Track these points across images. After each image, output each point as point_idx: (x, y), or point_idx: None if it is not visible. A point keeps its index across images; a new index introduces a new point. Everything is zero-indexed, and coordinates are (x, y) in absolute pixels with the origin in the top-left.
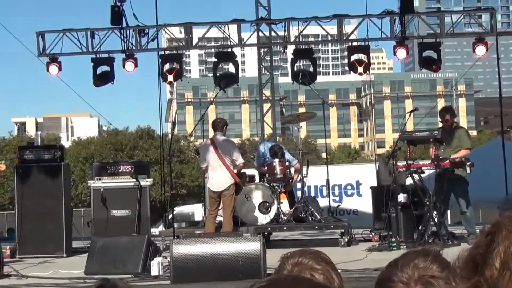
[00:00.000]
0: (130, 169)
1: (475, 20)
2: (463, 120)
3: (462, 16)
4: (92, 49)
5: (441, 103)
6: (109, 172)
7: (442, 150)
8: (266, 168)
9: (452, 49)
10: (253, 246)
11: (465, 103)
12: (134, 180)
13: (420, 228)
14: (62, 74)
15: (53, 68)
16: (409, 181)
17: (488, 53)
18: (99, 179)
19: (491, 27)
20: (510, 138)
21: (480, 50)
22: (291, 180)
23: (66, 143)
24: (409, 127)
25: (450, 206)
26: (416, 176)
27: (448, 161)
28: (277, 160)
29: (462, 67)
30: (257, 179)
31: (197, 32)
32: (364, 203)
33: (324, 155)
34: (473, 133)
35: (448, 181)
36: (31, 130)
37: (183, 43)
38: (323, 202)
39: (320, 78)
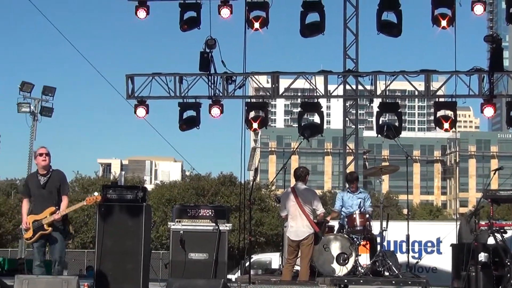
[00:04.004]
0: (210, 213)
1: None
2: None
3: None
4: (180, 93)
5: None
6: (189, 215)
7: None
8: (346, 218)
9: None
10: None
11: None
12: (214, 224)
13: None
14: (149, 117)
15: (141, 111)
16: (490, 240)
17: None
18: (179, 221)
19: None
20: None
21: None
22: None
23: (149, 186)
24: (493, 186)
25: None
26: (498, 236)
27: None
28: (357, 212)
29: None
30: (336, 230)
31: (284, 82)
32: (443, 261)
33: (405, 211)
34: None
35: None
36: (116, 172)
37: (270, 92)
38: (401, 257)
39: (405, 134)
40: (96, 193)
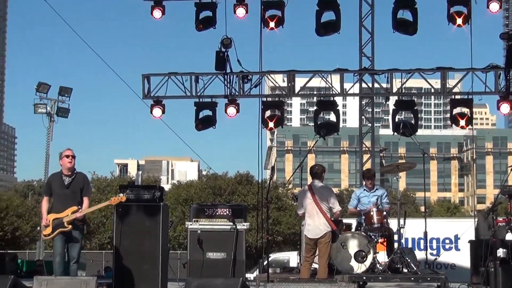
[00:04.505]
0: (227, 212)
1: None
2: None
3: None
4: (196, 93)
5: None
6: (206, 214)
7: None
8: (363, 215)
9: None
10: None
11: None
12: (231, 223)
13: None
14: (165, 117)
15: (157, 111)
16: (509, 236)
17: None
18: (197, 221)
19: None
20: None
21: None
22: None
23: (166, 186)
24: (511, 182)
25: None
26: None
27: None
28: (374, 209)
29: None
30: (353, 228)
31: (300, 81)
32: (462, 258)
33: (422, 208)
34: None
35: None
36: (132, 172)
37: (286, 91)
38: (420, 255)
39: (421, 131)
40: (121, 194)
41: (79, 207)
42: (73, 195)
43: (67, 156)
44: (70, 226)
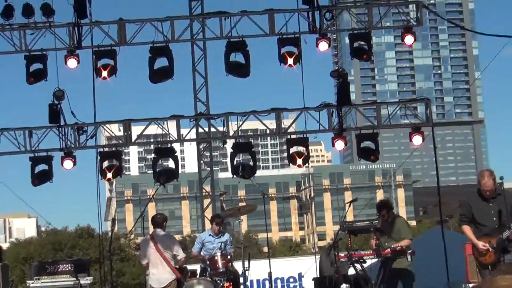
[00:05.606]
0: (69, 267)
1: (411, 111)
2: (402, 210)
3: (398, 108)
4: (30, 148)
5: (380, 194)
6: (48, 271)
7: (386, 244)
8: (208, 261)
9: (389, 140)
10: None
11: (404, 193)
12: (74, 279)
13: None
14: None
15: None
16: (351, 271)
17: (425, 144)
18: (39, 279)
19: (426, 117)
20: (449, 227)
21: (417, 140)
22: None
23: (4, 244)
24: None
25: None
26: (358, 266)
27: (389, 249)
28: (219, 253)
29: (400, 158)
30: (198, 274)
31: (136, 129)
32: None
33: (265, 249)
34: (413, 223)
35: (395, 272)
36: None
37: (122, 140)
38: None
39: (260, 172)
40: None
41: None
42: None
43: None
44: None
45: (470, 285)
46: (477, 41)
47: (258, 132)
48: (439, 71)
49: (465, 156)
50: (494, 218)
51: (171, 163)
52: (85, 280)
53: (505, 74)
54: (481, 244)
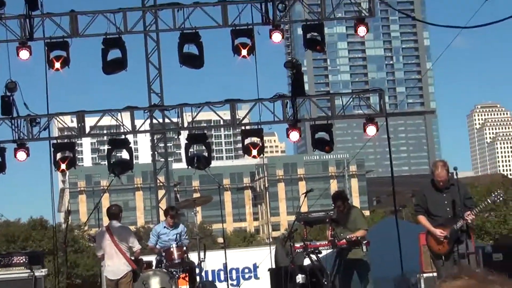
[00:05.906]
0: (24, 260)
1: (365, 101)
2: (356, 200)
3: (352, 99)
4: None
5: (333, 184)
6: (2, 263)
7: (342, 234)
8: (163, 253)
9: (343, 130)
10: None
11: (357, 183)
12: (29, 271)
13: None
14: None
15: None
16: (307, 262)
17: (378, 134)
18: None
19: (380, 108)
20: (403, 217)
21: (371, 130)
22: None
23: None
24: (304, 208)
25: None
26: (313, 257)
27: (344, 240)
28: (174, 245)
29: (353, 148)
30: (154, 265)
31: (90, 121)
32: (262, 286)
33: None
34: (367, 213)
35: (350, 262)
36: None
37: (76, 132)
38: (221, 286)
39: (214, 163)
40: None
41: None
42: None
43: None
44: None
45: (424, 275)
46: (428, 32)
47: (212, 123)
48: (391, 62)
49: (418, 146)
50: (448, 209)
51: (125, 154)
52: (40, 272)
53: (456, 64)
54: (438, 232)
